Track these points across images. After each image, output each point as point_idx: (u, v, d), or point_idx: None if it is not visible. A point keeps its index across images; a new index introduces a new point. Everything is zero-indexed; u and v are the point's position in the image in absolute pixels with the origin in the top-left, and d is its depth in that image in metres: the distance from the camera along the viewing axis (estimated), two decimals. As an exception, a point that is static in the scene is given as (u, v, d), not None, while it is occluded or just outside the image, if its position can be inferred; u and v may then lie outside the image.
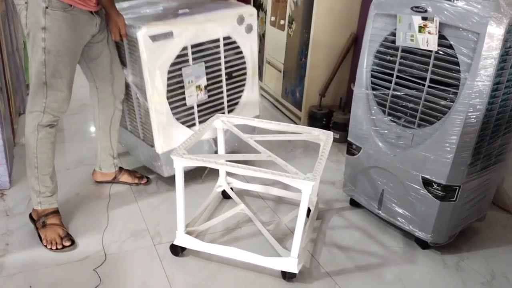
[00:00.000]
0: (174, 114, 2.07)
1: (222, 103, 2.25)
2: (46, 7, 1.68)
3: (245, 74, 2.28)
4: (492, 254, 1.94)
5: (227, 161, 1.66)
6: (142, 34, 1.85)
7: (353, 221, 2.11)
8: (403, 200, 1.90)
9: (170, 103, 2.03)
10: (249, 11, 2.20)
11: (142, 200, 2.16)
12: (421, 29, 1.68)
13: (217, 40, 2.11)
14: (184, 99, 2.07)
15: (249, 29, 2.17)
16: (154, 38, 1.86)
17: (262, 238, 1.90)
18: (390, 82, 1.84)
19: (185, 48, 1.99)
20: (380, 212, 2.02)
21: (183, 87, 2.05)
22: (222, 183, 2.23)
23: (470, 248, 1.97)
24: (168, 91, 2.00)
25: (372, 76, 1.91)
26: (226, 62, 2.17)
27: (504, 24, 1.50)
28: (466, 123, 1.64)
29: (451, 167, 1.70)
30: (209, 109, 2.21)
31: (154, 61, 1.91)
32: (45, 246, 1.81)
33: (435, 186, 1.76)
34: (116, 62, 2.04)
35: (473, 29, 1.55)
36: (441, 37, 1.63)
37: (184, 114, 2.11)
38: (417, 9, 1.67)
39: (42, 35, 1.71)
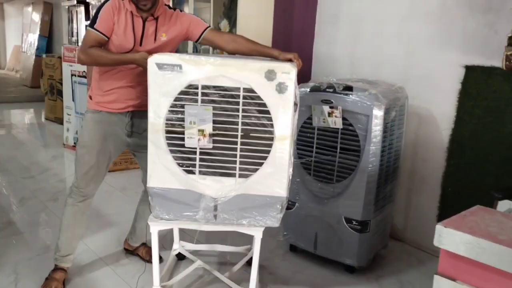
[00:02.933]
0: (171, 151, 1.91)
1: (234, 162, 1.90)
2: (85, 112, 2.27)
3: (269, 138, 1.86)
4: (398, 271, 2.64)
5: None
6: (151, 60, 1.86)
7: (296, 262, 2.67)
8: (333, 237, 2.53)
9: (168, 138, 1.89)
10: (284, 68, 1.82)
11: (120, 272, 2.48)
12: (329, 114, 2.43)
13: (236, 90, 1.83)
14: (184, 139, 1.89)
15: (281, 88, 1.81)
16: (160, 66, 1.84)
17: (222, 284, 2.33)
18: (312, 151, 2.54)
19: (194, 87, 1.84)
20: (316, 251, 2.62)
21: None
22: (176, 247, 2.63)
23: (382, 267, 2.65)
24: (169, 125, 1.88)
25: (298, 148, 2.59)
26: (244, 117, 1.85)
27: (383, 108, 2.31)
28: (368, 175, 2.37)
29: (363, 207, 2.40)
30: (215, 162, 1.92)
31: (157, 88, 1.86)
32: None
33: (354, 223, 2.44)
34: None
35: (364, 112, 2.33)
36: (344, 119, 2.39)
37: (183, 156, 1.92)
38: (325, 101, 2.43)
39: (80, 132, 2.20)
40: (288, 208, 2.66)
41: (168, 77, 1.85)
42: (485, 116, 2.57)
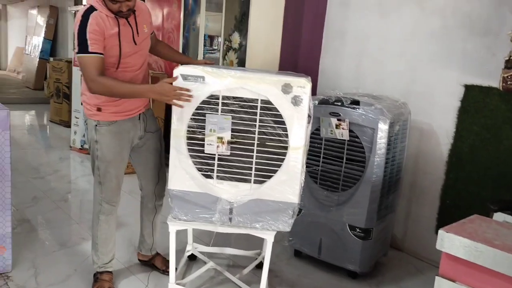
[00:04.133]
0: (191, 156, 2.05)
1: (250, 168, 2.04)
2: (96, 125, 2.20)
3: (284, 147, 2.01)
4: (397, 278, 2.78)
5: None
6: (176, 71, 2.00)
7: (300, 266, 2.80)
8: (336, 243, 2.66)
9: (189, 144, 2.04)
10: (300, 82, 1.96)
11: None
12: (337, 126, 2.58)
13: (255, 101, 1.98)
14: (203, 146, 2.03)
15: (296, 101, 1.95)
16: (184, 77, 1.98)
17: (233, 284, 2.46)
18: (319, 161, 2.68)
19: (215, 97, 1.98)
20: (320, 256, 2.75)
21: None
22: (190, 248, 2.75)
23: (383, 274, 2.79)
24: (191, 131, 2.02)
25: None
26: (261, 127, 2.00)
27: (387, 122, 2.46)
28: (373, 185, 2.51)
29: (366, 215, 2.54)
30: (232, 168, 2.05)
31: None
32: None
33: (358, 230, 2.57)
34: (159, 166, 2.41)
35: (370, 125, 2.48)
36: (351, 131, 2.54)
37: (202, 161, 2.06)
38: (333, 114, 2.58)
39: (95, 146, 2.20)
40: (294, 214, 2.81)
41: (192, 87, 1.99)
42: (482, 133, 2.72)
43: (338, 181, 2.62)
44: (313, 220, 2.73)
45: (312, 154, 2.69)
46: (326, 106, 2.61)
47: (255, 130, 2.02)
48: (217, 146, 2.03)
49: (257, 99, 1.99)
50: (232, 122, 2.01)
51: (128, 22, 2.13)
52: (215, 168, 2.07)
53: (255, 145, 2.04)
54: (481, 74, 2.72)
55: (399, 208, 3.01)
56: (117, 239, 2.47)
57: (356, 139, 2.53)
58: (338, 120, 2.56)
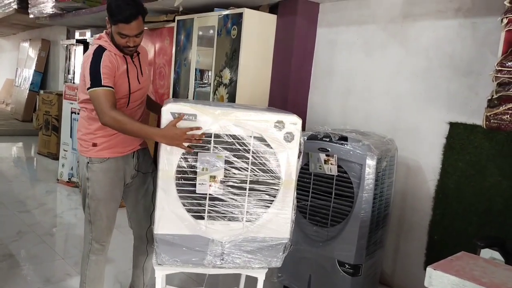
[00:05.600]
0: (181, 198, 1.96)
1: (242, 206, 2.01)
2: (88, 162, 2.19)
3: (276, 184, 2.02)
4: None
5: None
6: (166, 109, 1.93)
7: (288, 303, 2.76)
8: (325, 279, 2.65)
9: (178, 185, 1.95)
10: (292, 119, 2.01)
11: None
12: (325, 161, 2.61)
13: (247, 138, 1.97)
14: (195, 185, 1.96)
15: (288, 138, 1.99)
16: (175, 115, 1.93)
17: None
18: (308, 196, 2.69)
19: (207, 135, 1.94)
20: (309, 292, 2.72)
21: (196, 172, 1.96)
22: None
23: (372, 311, 2.76)
24: (181, 172, 1.95)
25: (294, 193, 2.74)
26: (254, 164, 1.99)
27: (375, 158, 2.50)
28: (361, 221, 2.52)
29: (355, 251, 2.54)
30: (224, 207, 2.00)
31: None
32: None
33: (347, 266, 2.56)
34: (149, 208, 2.34)
35: (358, 161, 2.52)
36: (339, 166, 2.57)
37: (192, 202, 1.98)
38: (322, 149, 2.61)
39: (87, 184, 2.18)
40: (283, 249, 2.80)
41: (183, 126, 1.93)
42: (467, 169, 2.77)
43: (327, 216, 2.63)
44: (303, 256, 2.72)
45: (302, 189, 2.71)
46: (315, 141, 2.65)
47: (247, 168, 2.00)
48: (210, 185, 1.97)
49: (250, 136, 1.98)
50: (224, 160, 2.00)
51: (133, 62, 2.23)
52: (206, 208, 2.01)
53: (248, 182, 2.02)
54: (465, 112, 2.80)
55: (387, 244, 3.02)
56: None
57: (345, 174, 2.56)
58: (327, 155, 2.59)
